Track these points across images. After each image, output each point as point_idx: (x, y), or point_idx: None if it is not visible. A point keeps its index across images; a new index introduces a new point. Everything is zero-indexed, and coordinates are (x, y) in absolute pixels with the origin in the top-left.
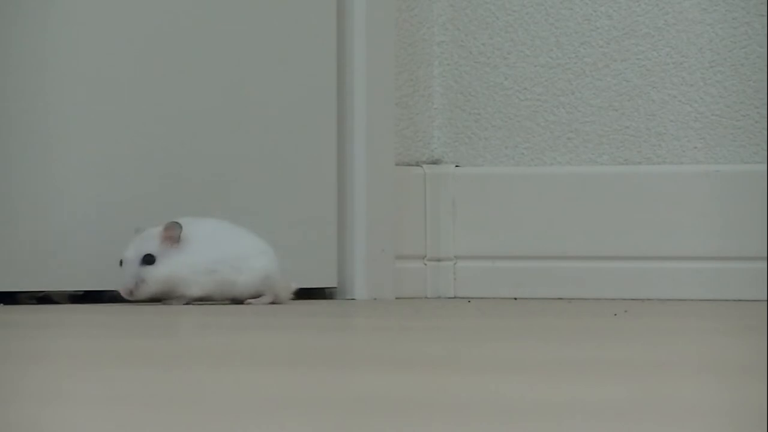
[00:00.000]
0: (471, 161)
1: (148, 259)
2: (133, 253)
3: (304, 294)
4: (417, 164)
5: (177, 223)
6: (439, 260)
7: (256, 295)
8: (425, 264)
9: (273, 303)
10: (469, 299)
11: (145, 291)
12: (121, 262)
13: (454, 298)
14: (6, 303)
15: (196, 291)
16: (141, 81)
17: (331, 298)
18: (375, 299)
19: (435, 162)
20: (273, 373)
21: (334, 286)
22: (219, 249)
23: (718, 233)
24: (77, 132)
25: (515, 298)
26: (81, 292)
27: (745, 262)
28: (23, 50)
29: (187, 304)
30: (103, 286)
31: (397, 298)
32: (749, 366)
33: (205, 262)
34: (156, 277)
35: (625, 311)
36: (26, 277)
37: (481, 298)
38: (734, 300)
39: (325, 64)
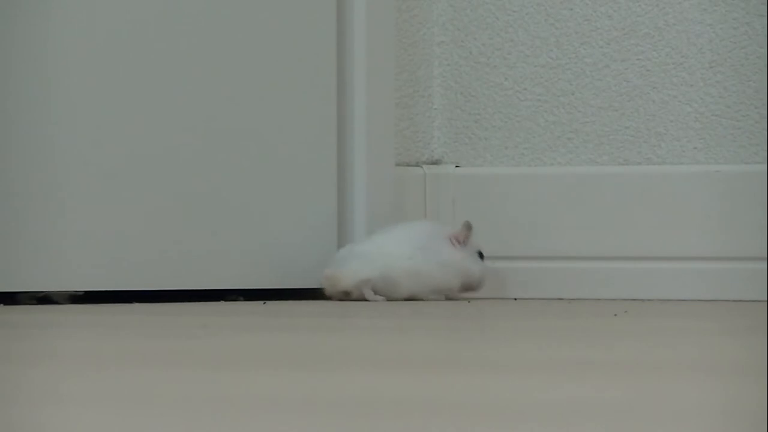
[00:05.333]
0: (471, 161)
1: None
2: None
3: (304, 294)
4: (417, 164)
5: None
6: None
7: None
8: None
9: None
10: (468, 299)
11: None
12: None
13: None
14: (6, 303)
15: None
16: (141, 81)
17: (331, 298)
18: None
19: (435, 162)
20: (273, 373)
21: None
22: None
23: (718, 233)
24: (77, 132)
25: (515, 298)
26: (81, 292)
27: (745, 262)
28: (23, 50)
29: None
30: (102, 286)
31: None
32: (749, 366)
33: None
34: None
35: (625, 311)
36: (26, 277)
37: (481, 298)
38: (734, 300)
39: (325, 64)
